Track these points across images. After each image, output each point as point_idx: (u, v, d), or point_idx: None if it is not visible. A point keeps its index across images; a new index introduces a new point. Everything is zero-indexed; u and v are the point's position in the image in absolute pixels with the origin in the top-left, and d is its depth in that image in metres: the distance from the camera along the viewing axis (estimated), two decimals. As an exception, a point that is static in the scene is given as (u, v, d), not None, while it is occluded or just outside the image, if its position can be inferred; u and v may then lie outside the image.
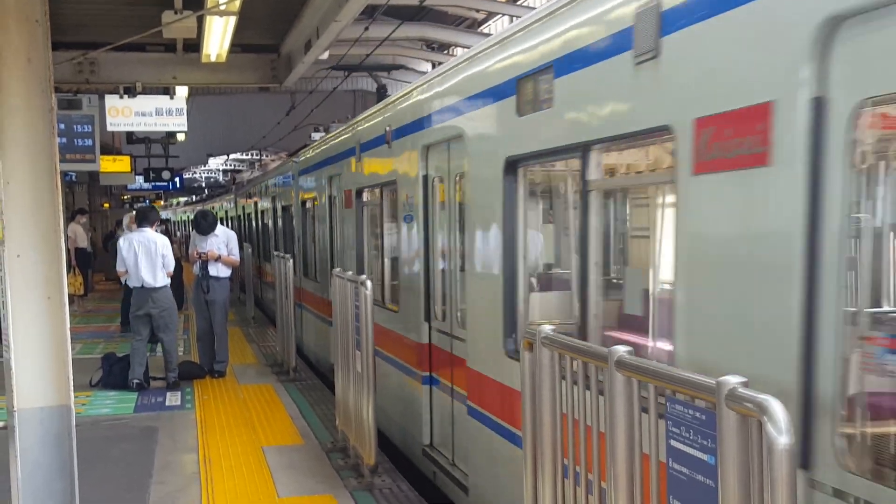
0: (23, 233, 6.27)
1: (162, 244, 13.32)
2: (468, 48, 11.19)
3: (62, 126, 17.36)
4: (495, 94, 7.08)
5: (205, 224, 14.45)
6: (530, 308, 6.98)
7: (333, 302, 9.68)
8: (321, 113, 26.35)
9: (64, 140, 17.64)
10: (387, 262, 11.20)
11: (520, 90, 6.56)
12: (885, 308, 3.67)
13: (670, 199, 4.83)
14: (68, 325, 6.52)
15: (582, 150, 5.65)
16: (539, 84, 6.26)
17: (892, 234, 3.63)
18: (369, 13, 18.12)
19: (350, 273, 9.28)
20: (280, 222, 20.53)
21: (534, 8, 8.19)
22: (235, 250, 14.67)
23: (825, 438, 3.61)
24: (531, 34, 6.49)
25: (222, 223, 16.75)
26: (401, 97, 10.11)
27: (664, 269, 5.12)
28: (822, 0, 3.58)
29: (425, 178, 9.06)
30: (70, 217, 25.95)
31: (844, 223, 3.55)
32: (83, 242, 26.29)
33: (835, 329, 3.58)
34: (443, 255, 8.91)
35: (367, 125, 11.57)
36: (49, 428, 6.48)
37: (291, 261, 14.45)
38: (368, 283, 8.27)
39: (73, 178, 30.16)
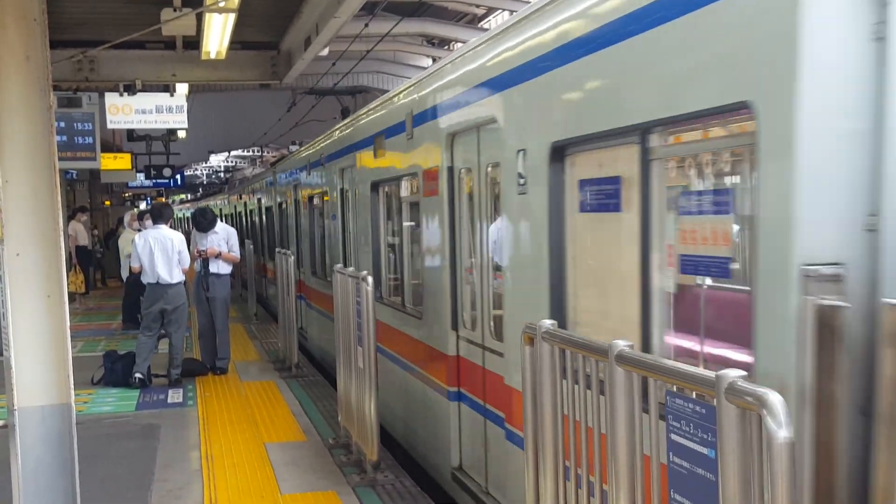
0: (22, 231, 6.27)
1: (178, 241, 13.47)
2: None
3: (62, 124, 17.38)
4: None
5: (204, 222, 14.46)
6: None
7: (335, 298, 9.64)
8: (321, 109, 26.36)
9: (64, 138, 17.67)
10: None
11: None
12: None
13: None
14: (68, 323, 6.52)
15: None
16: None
17: None
18: (369, 9, 18.14)
19: (351, 269, 9.27)
20: (286, 219, 20.44)
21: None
22: (236, 247, 14.70)
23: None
24: None
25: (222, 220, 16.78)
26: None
27: None
28: None
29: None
30: (71, 215, 25.98)
31: None
32: (84, 240, 26.32)
33: None
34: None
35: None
36: (50, 426, 6.47)
37: (293, 257, 14.45)
38: (369, 279, 8.27)
39: (74, 175, 30.21)
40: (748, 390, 2.93)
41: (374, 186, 11.16)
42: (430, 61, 27.60)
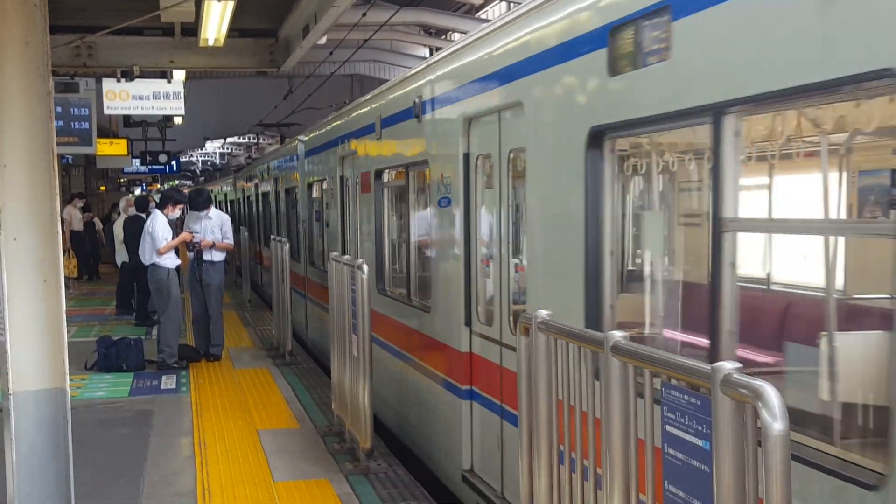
0: (20, 216, 6.28)
1: (149, 224, 14.01)
2: (465, 34, 10.90)
3: (59, 109, 17.28)
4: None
5: (200, 200, 14.62)
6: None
7: (330, 287, 9.63)
8: (318, 97, 26.34)
9: (61, 123, 17.58)
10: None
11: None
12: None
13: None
14: (64, 308, 6.53)
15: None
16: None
17: None
18: (367, -3, 18.12)
19: (347, 257, 9.26)
20: (283, 206, 20.37)
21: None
22: (230, 234, 14.76)
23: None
24: None
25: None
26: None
27: None
28: None
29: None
30: (67, 200, 25.97)
31: None
32: (78, 225, 26.31)
33: None
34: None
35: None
36: (44, 411, 6.49)
37: (288, 245, 14.45)
38: (365, 267, 8.28)
39: (70, 160, 30.17)
40: (744, 382, 2.94)
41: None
42: (427, 51, 27.59)
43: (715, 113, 4.40)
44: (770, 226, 5.30)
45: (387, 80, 13.23)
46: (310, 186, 16.69)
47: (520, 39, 6.81)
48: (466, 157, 7.89)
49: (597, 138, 5.54)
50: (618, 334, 3.88)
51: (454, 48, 8.64)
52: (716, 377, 3.05)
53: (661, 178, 5.72)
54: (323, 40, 15.59)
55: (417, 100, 9.07)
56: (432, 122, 8.74)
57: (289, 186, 19.27)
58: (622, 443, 3.88)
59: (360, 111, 12.22)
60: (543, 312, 4.69)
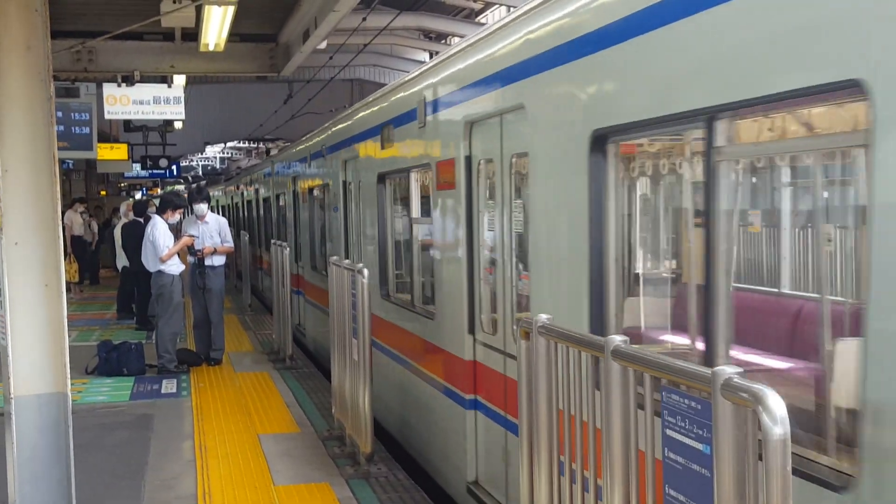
0: (21, 220, 6.29)
1: (150, 231, 13.92)
2: (464, 37, 10.92)
3: (60, 114, 17.35)
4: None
5: (199, 197, 14.84)
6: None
7: (330, 291, 9.64)
8: (318, 101, 26.37)
9: (61, 128, 17.66)
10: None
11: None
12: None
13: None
14: (65, 313, 6.54)
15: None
16: None
17: None
18: (367, 2, 18.14)
19: (347, 261, 9.27)
20: (285, 212, 20.41)
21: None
22: (228, 237, 14.87)
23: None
24: None
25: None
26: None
27: None
28: None
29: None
30: (69, 205, 25.99)
31: None
32: (80, 230, 26.32)
33: None
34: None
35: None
36: (46, 415, 6.50)
37: (288, 249, 14.47)
38: (365, 272, 8.29)
39: (71, 165, 30.18)
40: (744, 386, 2.95)
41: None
42: (426, 55, 27.62)
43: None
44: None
45: (386, 85, 13.17)
46: (311, 191, 16.68)
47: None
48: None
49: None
50: (618, 338, 3.89)
51: (453, 50, 8.52)
52: (716, 381, 3.05)
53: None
54: (323, 45, 15.63)
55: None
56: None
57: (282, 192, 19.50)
58: (622, 447, 3.89)
59: (363, 115, 12.01)
60: (544, 316, 4.70)
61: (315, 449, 9.57)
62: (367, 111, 11.69)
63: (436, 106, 8.53)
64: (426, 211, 9.29)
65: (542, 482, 4.77)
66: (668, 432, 3.46)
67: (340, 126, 13.35)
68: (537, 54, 6.25)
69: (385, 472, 8.74)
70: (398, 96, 10.10)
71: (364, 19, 17.95)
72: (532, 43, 6.41)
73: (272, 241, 17.13)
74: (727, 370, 3.04)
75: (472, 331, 7.84)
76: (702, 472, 3.25)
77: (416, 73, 9.75)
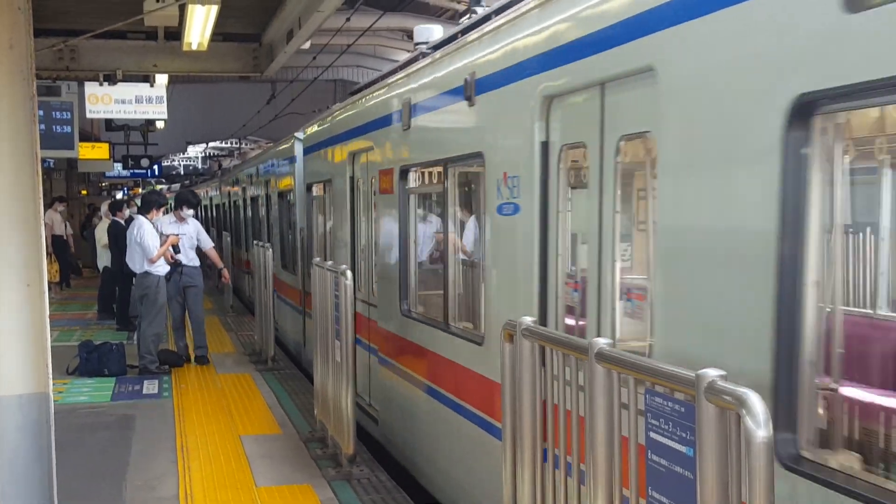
0: (3, 219, 6.25)
1: (136, 231, 13.79)
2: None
3: (41, 113, 17.27)
4: None
5: (194, 200, 14.98)
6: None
7: (313, 293, 9.62)
8: (301, 102, 26.34)
9: (42, 127, 17.56)
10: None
11: None
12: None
13: None
14: (47, 313, 6.51)
15: None
16: None
17: None
18: (351, 2, 18.13)
19: (330, 262, 9.26)
20: (276, 212, 20.23)
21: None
22: (206, 238, 14.92)
23: None
24: None
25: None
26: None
27: None
28: None
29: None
30: (48, 204, 25.88)
31: None
32: (60, 230, 26.22)
33: None
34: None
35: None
36: (28, 415, 6.47)
37: (271, 250, 14.45)
38: (349, 273, 8.29)
39: (52, 164, 30.06)
40: (727, 389, 2.97)
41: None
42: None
43: None
44: None
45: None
46: (309, 188, 15.74)
47: None
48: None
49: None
50: (602, 341, 3.89)
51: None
52: (700, 384, 3.07)
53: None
54: (307, 45, 15.62)
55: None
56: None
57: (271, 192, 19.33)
58: (606, 449, 3.90)
59: (379, 97, 10.21)
60: (528, 319, 4.70)
61: (297, 450, 9.55)
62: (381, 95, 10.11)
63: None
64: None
65: (525, 486, 4.78)
66: (652, 435, 3.47)
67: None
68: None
69: (367, 474, 8.73)
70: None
71: (348, 20, 17.94)
72: None
73: (254, 241, 17.13)
74: (710, 373, 3.05)
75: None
76: (685, 475, 3.26)
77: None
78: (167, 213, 15.45)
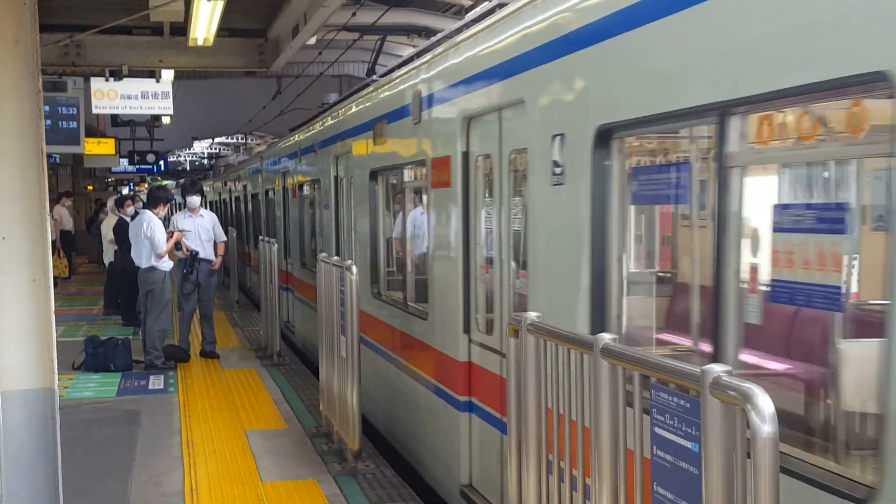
0: (9, 215, 6.25)
1: (147, 226, 13.77)
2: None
3: (47, 108, 17.27)
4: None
5: (193, 190, 15.02)
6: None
7: (319, 288, 9.63)
8: (307, 97, 26.28)
9: (49, 122, 17.58)
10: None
11: None
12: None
13: None
14: (53, 308, 6.52)
15: None
16: None
17: None
18: (357, -2, 18.12)
19: (336, 258, 9.26)
20: (271, 209, 20.41)
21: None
22: (220, 231, 14.90)
23: None
24: None
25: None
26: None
27: None
28: None
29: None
30: (55, 200, 25.89)
31: None
32: (68, 225, 26.24)
33: None
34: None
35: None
36: (33, 410, 6.47)
37: (276, 245, 14.46)
38: (354, 269, 8.28)
39: (57, 160, 30.11)
40: (733, 385, 2.95)
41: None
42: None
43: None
44: None
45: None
46: (301, 187, 16.65)
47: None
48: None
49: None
50: (607, 336, 3.89)
51: (449, 44, 8.32)
52: (705, 380, 3.06)
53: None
54: (312, 41, 15.61)
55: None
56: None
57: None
58: (611, 445, 3.89)
59: (357, 107, 11.90)
60: (533, 314, 4.69)
61: (302, 445, 9.56)
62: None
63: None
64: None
65: (530, 480, 4.77)
66: (657, 430, 3.47)
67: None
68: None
69: (373, 469, 8.73)
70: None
71: (354, 14, 17.91)
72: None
73: (260, 237, 17.15)
74: (716, 368, 3.05)
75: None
76: (690, 470, 3.26)
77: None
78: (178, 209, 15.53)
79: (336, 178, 13.05)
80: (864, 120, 3.61)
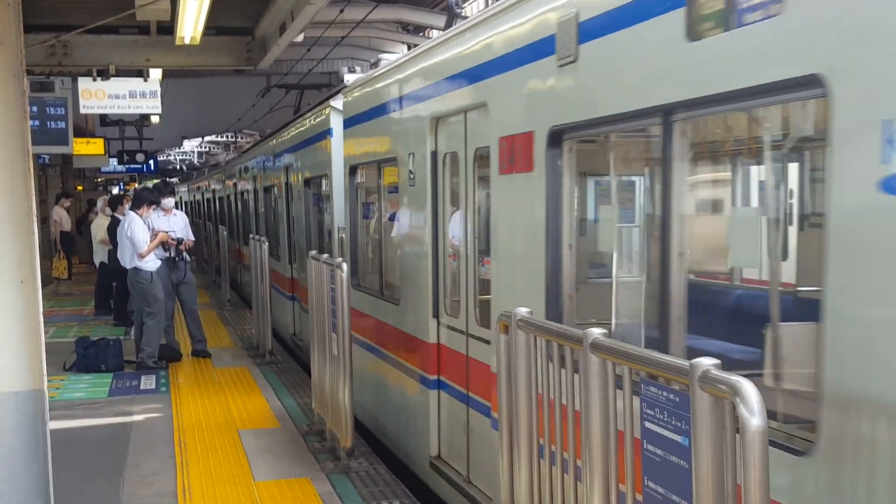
0: (-4, 216, 6.23)
1: (127, 227, 13.83)
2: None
3: (35, 109, 17.26)
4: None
5: (167, 191, 15.02)
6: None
7: (309, 285, 9.62)
8: (295, 95, 26.24)
9: (37, 123, 17.55)
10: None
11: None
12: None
13: None
14: (41, 309, 6.49)
15: None
16: None
17: None
18: (344, -6, 18.08)
19: (326, 255, 9.25)
20: (258, 205, 20.38)
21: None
22: (190, 231, 15.03)
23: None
24: None
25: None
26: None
27: None
28: None
29: (434, 153, 8.05)
30: (54, 201, 25.85)
31: None
32: (68, 226, 26.16)
33: None
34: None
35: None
36: (23, 412, 6.45)
37: (267, 244, 14.43)
38: (344, 266, 8.27)
39: (47, 160, 30.02)
40: (722, 378, 2.95)
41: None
42: (405, 48, 27.56)
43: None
44: None
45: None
46: (287, 185, 16.58)
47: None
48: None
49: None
50: (597, 331, 3.88)
51: (420, 49, 8.70)
52: (694, 373, 3.05)
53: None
54: (300, 38, 15.60)
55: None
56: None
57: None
58: (602, 440, 3.89)
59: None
60: (523, 310, 4.69)
61: (295, 444, 9.55)
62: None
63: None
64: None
65: (521, 476, 4.77)
66: (647, 424, 3.46)
67: None
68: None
69: (366, 467, 8.72)
70: None
71: (341, 11, 17.88)
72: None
73: (250, 235, 17.14)
74: (704, 362, 3.04)
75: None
76: (680, 464, 3.25)
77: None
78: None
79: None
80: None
